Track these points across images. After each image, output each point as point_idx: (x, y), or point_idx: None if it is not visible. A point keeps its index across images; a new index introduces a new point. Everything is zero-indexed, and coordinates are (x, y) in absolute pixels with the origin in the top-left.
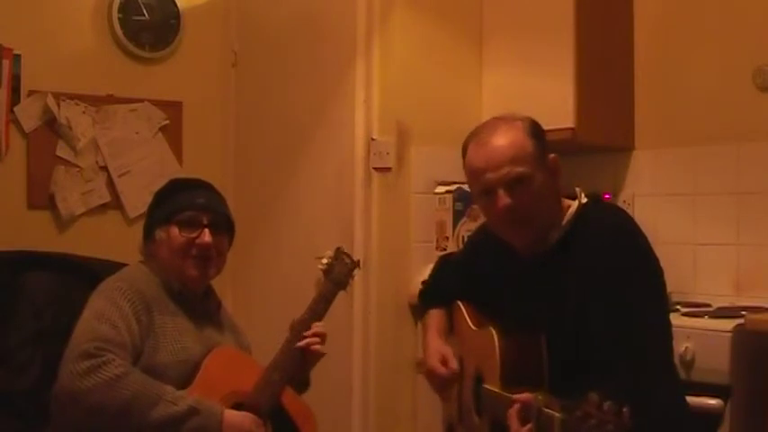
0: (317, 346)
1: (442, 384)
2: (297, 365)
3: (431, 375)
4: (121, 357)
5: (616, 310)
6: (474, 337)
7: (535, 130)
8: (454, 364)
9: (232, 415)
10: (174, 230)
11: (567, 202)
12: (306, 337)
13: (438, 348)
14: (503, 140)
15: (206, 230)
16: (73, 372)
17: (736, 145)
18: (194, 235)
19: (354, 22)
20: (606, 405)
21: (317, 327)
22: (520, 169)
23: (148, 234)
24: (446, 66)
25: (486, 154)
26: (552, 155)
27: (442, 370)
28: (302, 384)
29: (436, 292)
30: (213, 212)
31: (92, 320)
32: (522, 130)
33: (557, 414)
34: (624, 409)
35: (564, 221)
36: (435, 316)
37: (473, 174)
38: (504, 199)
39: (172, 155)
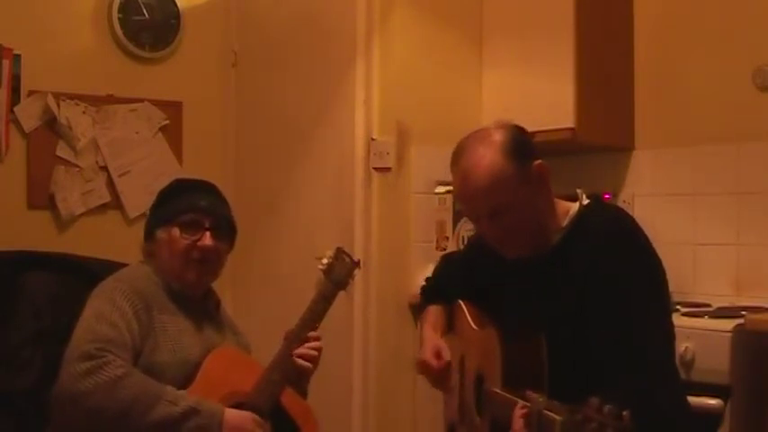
0: (310, 359)
1: (435, 377)
2: (296, 367)
3: (424, 368)
4: (122, 358)
5: (618, 312)
6: (475, 337)
7: (514, 144)
8: (447, 356)
9: (232, 415)
10: (176, 232)
11: (566, 204)
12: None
13: (432, 342)
14: (477, 170)
15: (207, 233)
16: (73, 373)
17: (736, 145)
18: (196, 237)
19: (354, 22)
20: (606, 408)
21: (315, 341)
22: (497, 200)
23: (149, 233)
24: (446, 66)
25: (460, 185)
26: (537, 162)
27: (434, 362)
28: (299, 395)
29: (438, 290)
30: (215, 216)
31: (92, 321)
32: (498, 151)
33: (557, 417)
34: (624, 413)
35: (564, 223)
36: (433, 312)
37: (456, 198)
38: (486, 227)
39: (172, 155)
